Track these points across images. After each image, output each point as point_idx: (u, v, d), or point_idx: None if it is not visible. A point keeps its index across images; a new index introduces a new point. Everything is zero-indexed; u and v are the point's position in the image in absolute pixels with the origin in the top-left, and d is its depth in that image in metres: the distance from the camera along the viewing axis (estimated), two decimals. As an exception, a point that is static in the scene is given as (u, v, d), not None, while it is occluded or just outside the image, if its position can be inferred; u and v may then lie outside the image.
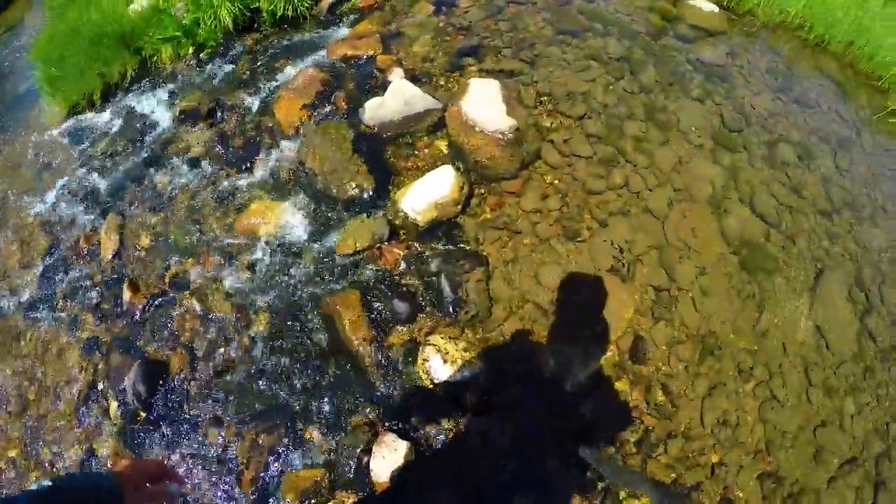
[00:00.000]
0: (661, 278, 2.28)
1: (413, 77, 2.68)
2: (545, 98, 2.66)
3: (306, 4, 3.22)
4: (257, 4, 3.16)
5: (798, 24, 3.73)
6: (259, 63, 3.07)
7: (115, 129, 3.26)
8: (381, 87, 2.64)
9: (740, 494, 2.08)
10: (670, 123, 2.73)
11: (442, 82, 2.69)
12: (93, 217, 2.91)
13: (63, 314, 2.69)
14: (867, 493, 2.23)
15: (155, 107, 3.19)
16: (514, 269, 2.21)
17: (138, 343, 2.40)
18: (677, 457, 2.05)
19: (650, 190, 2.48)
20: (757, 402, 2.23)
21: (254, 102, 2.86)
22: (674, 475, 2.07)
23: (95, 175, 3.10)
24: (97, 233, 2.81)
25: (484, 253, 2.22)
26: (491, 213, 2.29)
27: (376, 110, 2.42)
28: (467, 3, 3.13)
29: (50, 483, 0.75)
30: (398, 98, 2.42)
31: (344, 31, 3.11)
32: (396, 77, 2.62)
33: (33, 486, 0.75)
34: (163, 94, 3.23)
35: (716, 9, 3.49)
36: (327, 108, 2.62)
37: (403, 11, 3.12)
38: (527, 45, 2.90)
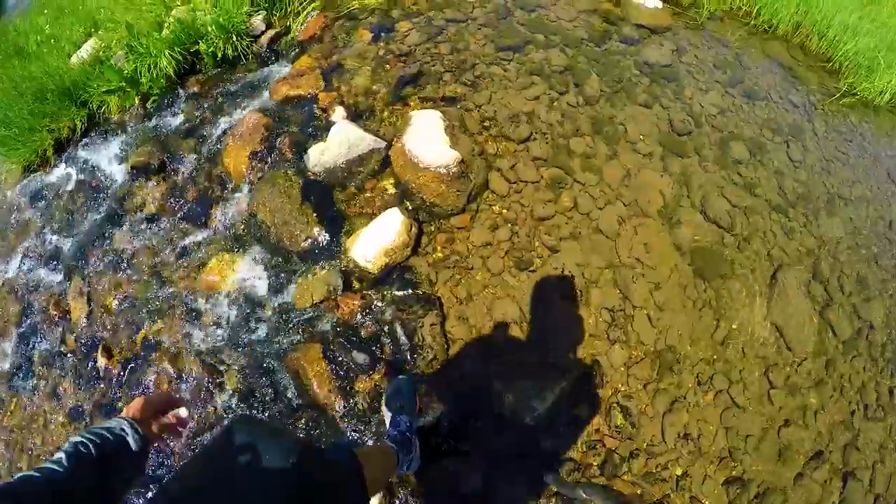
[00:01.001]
0: (615, 300, 2.28)
1: (355, 114, 2.62)
2: (489, 122, 2.62)
3: (246, 42, 3.11)
4: (196, 48, 3.05)
5: (745, 10, 3.64)
6: (204, 109, 3.00)
7: (71, 186, 3.20)
8: (324, 129, 2.59)
9: (707, 502, 2.11)
10: (617, 135, 2.69)
11: (385, 115, 2.63)
12: (60, 279, 2.88)
13: (43, 382, 2.69)
14: (835, 485, 2.30)
15: (108, 161, 3.13)
16: (468, 308, 2.20)
17: (119, 406, 2.39)
18: (641, 473, 2.09)
19: (600, 209, 2.45)
20: (718, 411, 2.27)
21: (203, 152, 2.81)
22: (639, 491, 2.09)
23: (57, 236, 3.05)
24: (65, 297, 2.77)
25: (437, 294, 2.21)
26: (442, 252, 2.27)
27: (320, 157, 2.37)
28: (406, 27, 3.04)
29: (72, 443, 0.79)
30: (341, 142, 2.37)
31: (285, 67, 3.04)
32: (338, 116, 2.56)
33: (58, 450, 0.79)
34: (114, 147, 3.16)
35: (660, 4, 3.42)
36: (273, 156, 2.57)
37: (342, 41, 3.04)
38: (468, 67, 2.83)
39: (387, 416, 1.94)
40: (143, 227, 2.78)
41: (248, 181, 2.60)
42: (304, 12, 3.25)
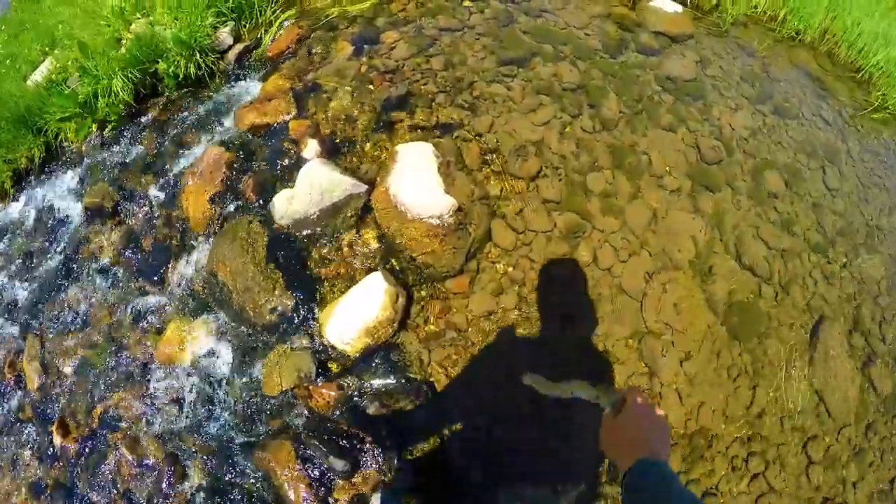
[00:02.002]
0: (641, 378, 1.67)
1: (332, 147, 1.93)
2: (491, 156, 1.92)
3: (211, 59, 2.36)
4: (155, 68, 2.30)
5: (770, 15, 2.85)
6: (165, 138, 2.28)
7: (29, 224, 2.51)
8: (294, 166, 1.89)
9: None
10: (640, 167, 2.01)
11: (367, 149, 1.93)
12: (15, 332, 2.24)
13: (4, 453, 2.10)
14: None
15: (64, 197, 2.44)
16: (466, 396, 1.58)
17: (79, 490, 1.82)
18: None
19: (623, 262, 1.80)
20: (753, 498, 1.68)
21: (161, 192, 2.12)
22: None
23: (15, 282, 2.39)
24: (20, 359, 2.16)
25: (430, 378, 1.59)
26: (435, 325, 1.64)
27: (287, 206, 1.71)
28: (393, 38, 2.28)
29: None
30: (311, 187, 1.70)
31: (254, 87, 2.29)
32: (311, 151, 1.87)
33: None
34: (71, 180, 2.46)
35: (680, 8, 2.64)
36: (236, 201, 1.90)
37: (319, 56, 2.28)
38: (465, 86, 2.10)
39: None
40: (98, 280, 2.12)
41: (207, 231, 1.92)
42: (277, 22, 2.47)
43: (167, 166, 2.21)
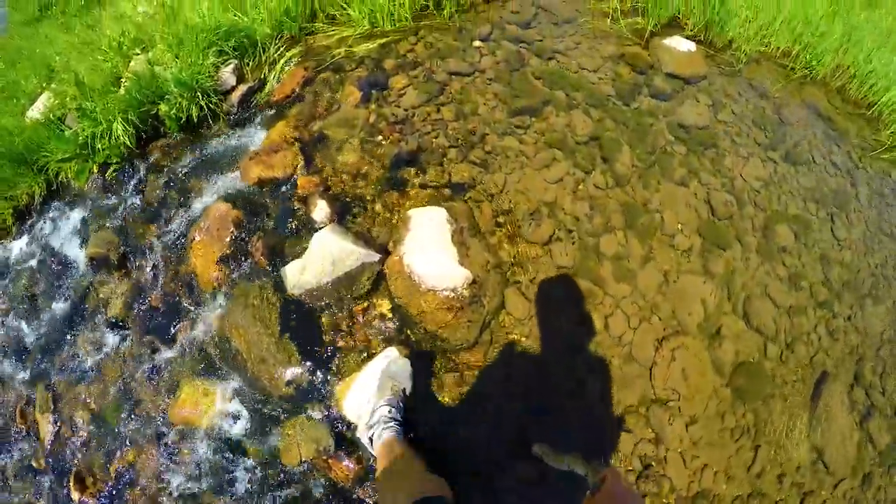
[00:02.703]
0: (648, 446, 1.67)
1: (342, 208, 1.85)
2: (504, 218, 1.86)
3: (214, 100, 2.25)
4: (156, 110, 2.19)
5: (783, 51, 2.74)
6: (168, 186, 2.18)
7: (33, 264, 2.43)
8: (304, 228, 1.82)
9: None
10: (653, 226, 1.95)
11: (378, 210, 1.86)
12: (25, 377, 2.20)
13: (18, 498, 2.09)
14: None
15: (68, 239, 2.35)
16: (482, 465, 1.58)
17: None
18: None
19: (634, 329, 1.77)
20: None
21: (167, 244, 2.03)
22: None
23: (22, 324, 2.33)
24: (31, 407, 2.13)
25: (446, 449, 1.57)
26: (450, 397, 1.61)
27: (299, 276, 1.65)
28: (402, 83, 2.16)
29: None
30: (324, 256, 1.63)
31: (259, 134, 2.17)
32: (321, 213, 1.79)
33: None
34: (74, 222, 2.36)
35: (693, 47, 2.51)
36: (245, 264, 1.82)
37: (326, 102, 2.16)
38: (477, 139, 2.01)
39: (379, 391, 1.43)
40: (107, 333, 2.07)
41: (218, 292, 1.86)
42: (281, 61, 2.34)
43: (172, 216, 2.13)
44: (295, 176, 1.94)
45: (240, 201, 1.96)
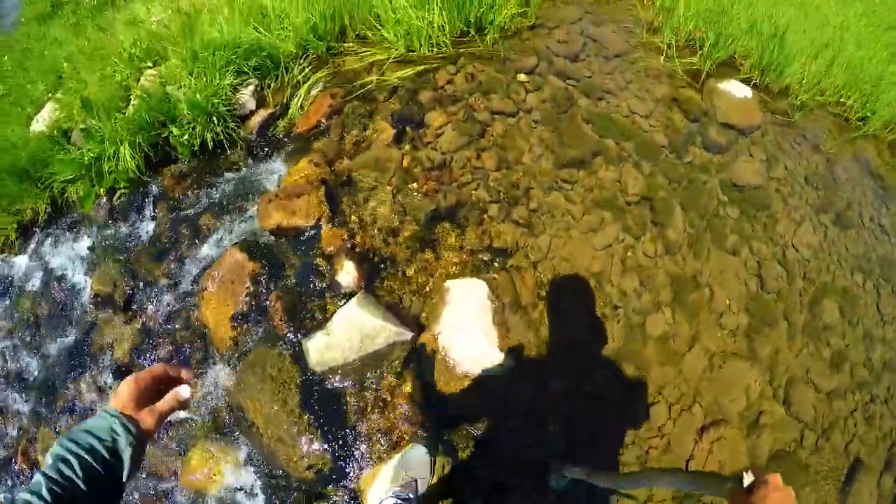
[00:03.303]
0: None
1: (371, 269, 1.62)
2: (546, 290, 1.65)
3: (231, 126, 1.97)
4: (168, 134, 1.91)
5: (836, 99, 2.48)
6: (179, 220, 1.93)
7: (37, 285, 2.20)
8: (329, 290, 1.60)
9: None
10: (701, 303, 1.76)
11: (412, 275, 1.64)
12: (25, 411, 2.01)
13: None
14: None
15: (74, 264, 2.12)
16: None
17: None
18: None
19: (674, 420, 1.61)
20: None
21: (177, 289, 1.81)
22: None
23: (23, 352, 2.13)
24: (34, 447, 1.96)
25: None
26: (482, 491, 1.45)
27: (324, 352, 1.45)
28: (440, 121, 1.89)
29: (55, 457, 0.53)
30: (350, 333, 1.43)
31: (280, 169, 1.92)
32: (347, 275, 1.57)
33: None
34: (80, 246, 2.12)
35: (749, 93, 2.25)
36: (262, 327, 1.61)
37: (354, 137, 1.89)
38: (521, 194, 1.78)
39: (391, 483, 1.30)
40: (111, 379, 1.87)
41: (233, 352, 1.66)
42: (306, 85, 2.04)
43: (183, 256, 1.90)
44: (319, 226, 1.71)
45: (257, 251, 1.73)
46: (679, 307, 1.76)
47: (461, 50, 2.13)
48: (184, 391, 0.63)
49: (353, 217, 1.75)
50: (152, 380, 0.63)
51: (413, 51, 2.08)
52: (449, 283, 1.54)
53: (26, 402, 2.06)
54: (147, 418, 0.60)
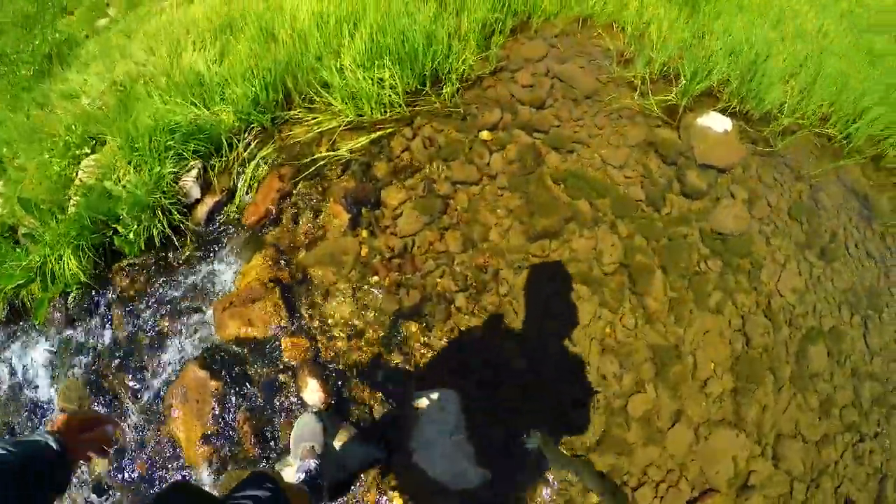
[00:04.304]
0: None
1: (338, 385, 1.44)
2: (521, 386, 1.48)
3: (177, 218, 1.74)
4: (110, 236, 1.69)
5: (818, 118, 2.23)
6: (137, 325, 1.72)
7: (3, 389, 2.04)
8: (296, 409, 1.43)
9: None
10: (684, 374, 1.61)
11: (379, 380, 1.47)
12: None
13: None
14: None
15: (37, 372, 1.94)
16: None
17: None
18: None
19: (660, 498, 1.49)
20: None
21: (144, 407, 1.62)
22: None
23: None
24: None
25: None
26: None
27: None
28: (397, 199, 1.67)
29: None
30: (327, 460, 1.28)
31: (232, 263, 1.69)
32: (312, 393, 1.40)
33: None
34: (41, 352, 1.93)
35: (729, 125, 2.01)
36: (234, 448, 1.45)
37: (307, 225, 1.65)
38: (489, 278, 1.58)
39: (294, 459, 1.31)
40: (92, 495, 1.77)
41: (208, 470, 1.51)
42: (252, 164, 1.78)
43: (145, 366, 1.71)
44: (278, 335, 1.54)
45: (218, 365, 1.54)
46: (662, 382, 1.61)
47: (417, 108, 1.87)
48: (109, 429, 0.71)
49: (313, 322, 1.55)
50: (84, 418, 0.70)
51: (363, 115, 1.83)
52: (418, 399, 1.38)
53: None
54: (75, 440, 0.67)
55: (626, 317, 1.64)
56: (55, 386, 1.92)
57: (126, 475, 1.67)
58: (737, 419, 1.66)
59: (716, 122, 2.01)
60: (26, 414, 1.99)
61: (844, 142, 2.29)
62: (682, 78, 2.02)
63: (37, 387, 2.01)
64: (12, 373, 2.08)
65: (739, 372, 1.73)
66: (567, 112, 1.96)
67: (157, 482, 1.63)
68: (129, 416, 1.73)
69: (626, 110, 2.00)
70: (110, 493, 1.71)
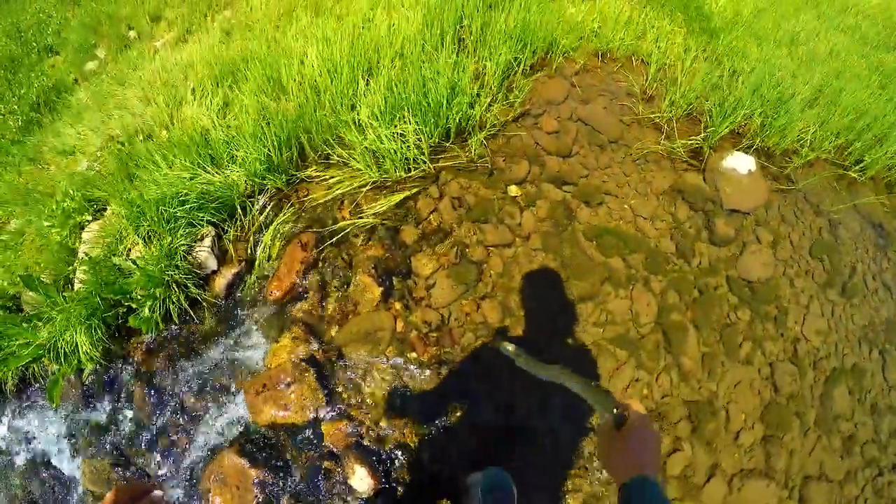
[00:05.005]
0: None
1: (386, 470, 1.39)
2: (570, 470, 1.47)
3: (194, 292, 1.64)
4: (123, 313, 1.58)
5: (835, 148, 2.22)
6: (161, 403, 1.65)
7: (21, 462, 1.94)
8: (345, 497, 1.39)
9: None
10: (718, 428, 1.63)
11: (427, 462, 1.43)
12: None
13: None
14: None
15: (57, 447, 1.85)
16: None
17: None
18: None
19: None
20: None
21: (176, 489, 1.57)
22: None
23: None
24: None
25: None
26: None
27: None
28: (430, 268, 1.60)
29: None
30: None
31: (258, 341, 1.61)
32: (360, 480, 1.37)
33: None
34: (59, 427, 1.84)
35: (752, 165, 1.99)
36: None
37: (337, 300, 1.58)
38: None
39: None
40: None
41: None
42: (270, 229, 1.68)
43: (174, 447, 1.65)
44: (318, 419, 1.48)
45: (256, 452, 1.49)
46: (697, 439, 1.63)
47: (441, 163, 1.79)
48: (156, 494, 0.70)
49: (353, 404, 1.50)
50: (130, 493, 0.69)
51: (386, 175, 1.74)
52: (470, 478, 1.38)
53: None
54: None
55: (662, 377, 1.65)
56: (77, 462, 1.86)
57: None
58: (767, 468, 1.71)
59: (740, 162, 1.98)
60: (49, 490, 1.94)
61: (860, 172, 2.32)
62: (708, 119, 1.97)
63: (58, 463, 1.95)
64: (29, 447, 2.00)
65: (769, 421, 1.77)
66: (594, 159, 1.90)
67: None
68: (162, 500, 1.70)
69: (652, 154, 1.95)
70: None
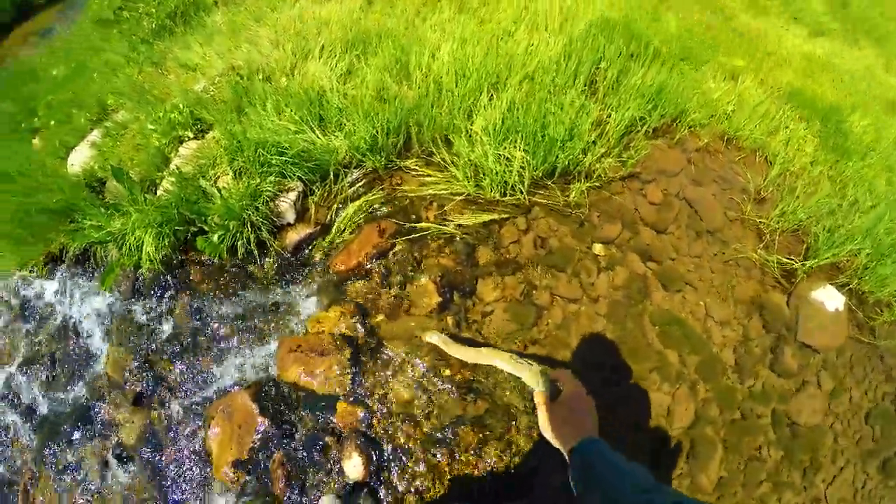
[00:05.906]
0: None
1: (379, 465, 1.41)
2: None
3: (266, 236, 1.67)
4: (194, 232, 1.63)
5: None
6: (199, 325, 1.72)
7: (55, 323, 2.09)
8: (333, 476, 1.42)
9: None
10: None
11: (417, 473, 1.44)
12: (32, 446, 1.94)
13: None
14: None
15: (92, 322, 1.97)
16: None
17: None
18: None
19: None
20: None
21: (185, 404, 1.65)
22: None
23: (36, 386, 2.02)
24: (34, 486, 1.93)
25: None
26: None
27: None
28: (492, 296, 1.58)
29: None
30: None
31: (308, 304, 1.65)
32: (352, 467, 1.38)
33: None
34: (100, 305, 1.96)
35: (841, 304, 1.87)
36: (261, 484, 1.46)
37: (394, 294, 1.59)
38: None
39: None
40: (114, 462, 1.78)
41: (228, 494, 1.52)
42: (355, 204, 1.69)
43: (197, 367, 1.72)
44: (335, 397, 1.51)
45: (269, 403, 1.54)
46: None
47: (536, 198, 1.75)
48: None
49: (374, 395, 1.52)
50: None
51: (481, 191, 1.71)
52: (459, 511, 1.38)
53: (32, 438, 2.04)
54: None
55: (674, 483, 1.61)
56: (105, 346, 1.96)
57: (149, 460, 1.73)
58: None
59: (830, 297, 1.87)
60: (72, 354, 2.06)
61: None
62: (813, 242, 1.85)
63: (88, 337, 2.06)
64: (69, 310, 2.13)
65: (763, 565, 1.71)
66: (686, 245, 1.82)
67: (175, 480, 1.69)
68: (168, 408, 1.78)
69: (745, 260, 1.86)
70: (131, 470, 1.77)
